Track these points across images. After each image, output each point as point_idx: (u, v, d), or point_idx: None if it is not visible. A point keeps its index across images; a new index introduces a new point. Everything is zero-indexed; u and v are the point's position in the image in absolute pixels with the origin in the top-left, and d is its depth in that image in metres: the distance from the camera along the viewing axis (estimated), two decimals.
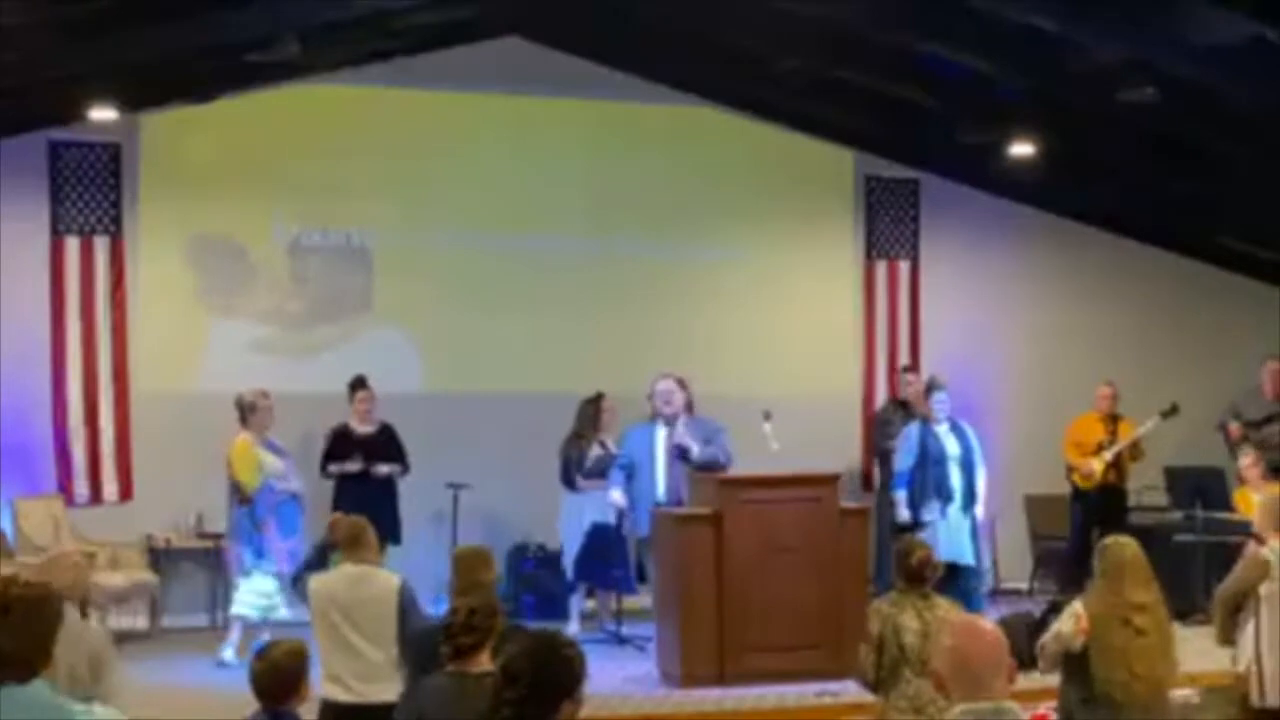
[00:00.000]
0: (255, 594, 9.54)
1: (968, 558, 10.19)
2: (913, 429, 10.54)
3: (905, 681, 6.02)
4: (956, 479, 10.28)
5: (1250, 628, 6.80)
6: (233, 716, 4.98)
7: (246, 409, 9.71)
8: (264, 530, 9.51)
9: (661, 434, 10.01)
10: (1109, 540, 6.40)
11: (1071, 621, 6.09)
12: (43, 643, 3.31)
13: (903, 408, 11.95)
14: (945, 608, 6.10)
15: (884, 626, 6.10)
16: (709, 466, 9.79)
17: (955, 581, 10.19)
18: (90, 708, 3.44)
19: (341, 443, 10.35)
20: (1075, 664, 6.09)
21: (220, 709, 5.33)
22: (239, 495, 9.59)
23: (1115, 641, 5.94)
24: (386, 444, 10.43)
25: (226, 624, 10.01)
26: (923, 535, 9.73)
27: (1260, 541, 6.99)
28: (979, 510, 10.41)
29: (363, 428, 10.43)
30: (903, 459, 10.48)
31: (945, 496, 10.25)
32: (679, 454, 9.91)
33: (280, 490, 9.59)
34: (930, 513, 10.20)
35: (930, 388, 10.61)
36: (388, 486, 10.31)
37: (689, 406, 10.41)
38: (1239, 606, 6.86)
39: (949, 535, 10.07)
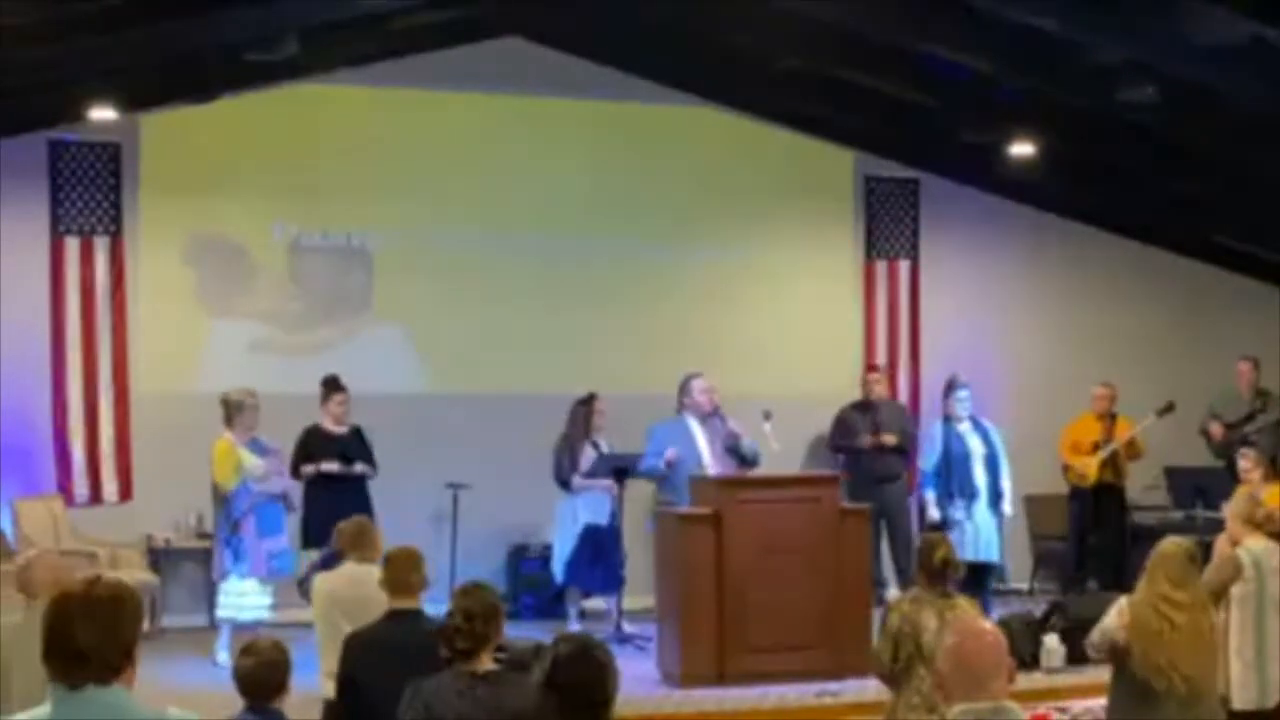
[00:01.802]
0: (235, 595, 9.54)
1: (996, 556, 10.28)
2: (936, 428, 10.55)
3: (920, 679, 5.99)
4: (981, 477, 10.32)
5: (1219, 627, 6.77)
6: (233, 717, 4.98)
7: (233, 408, 9.66)
8: (240, 531, 9.49)
9: (699, 431, 9.98)
10: (1165, 539, 6.37)
11: (1115, 615, 6.06)
12: (125, 644, 3.23)
13: (864, 408, 11.92)
14: (964, 607, 6.08)
15: (903, 623, 6.09)
16: (753, 461, 9.84)
17: (981, 579, 10.29)
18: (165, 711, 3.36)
19: (318, 443, 10.28)
20: (1121, 661, 6.06)
21: (220, 709, 5.33)
22: (217, 494, 9.59)
23: (1151, 629, 5.91)
24: (360, 445, 10.38)
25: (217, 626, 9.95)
26: (952, 534, 9.88)
27: (1234, 542, 6.98)
28: (1006, 507, 10.44)
29: (336, 428, 10.36)
30: (926, 458, 10.51)
31: (970, 495, 10.28)
32: (729, 446, 9.92)
33: (259, 491, 9.57)
34: (957, 511, 10.23)
35: (951, 386, 10.61)
36: (360, 487, 10.24)
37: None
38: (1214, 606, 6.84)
39: (976, 534, 10.15)
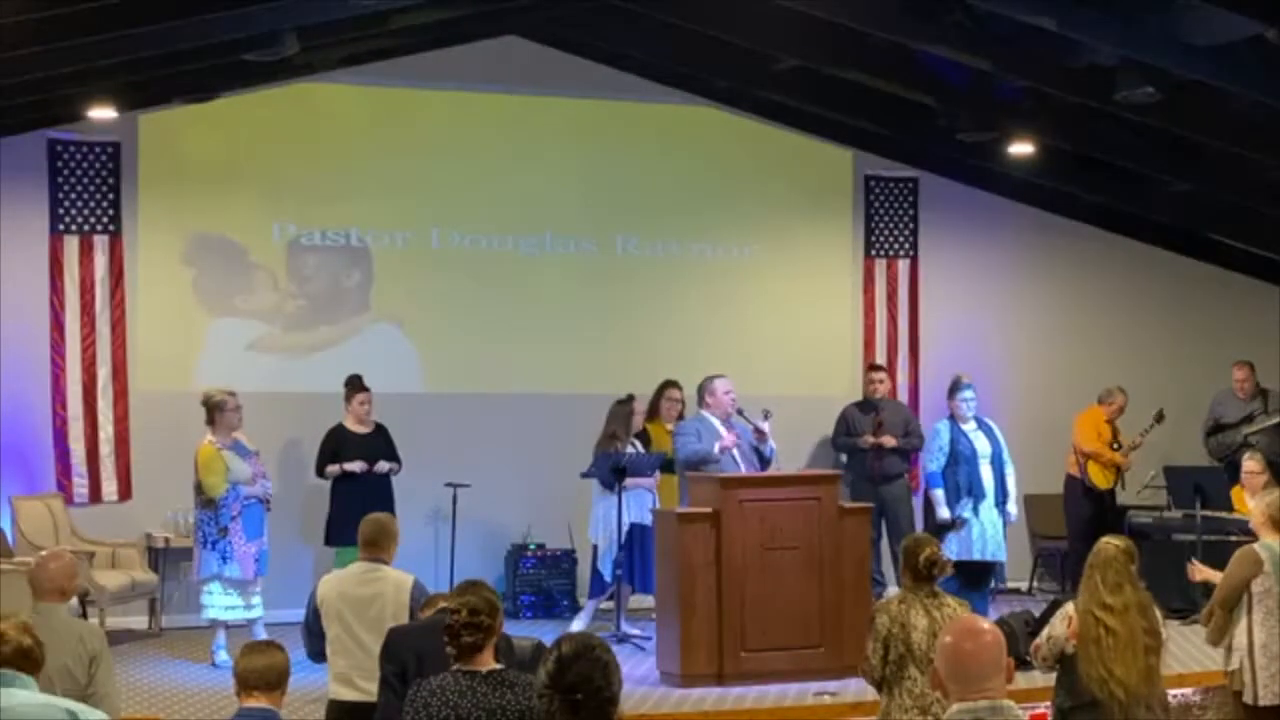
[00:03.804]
0: (224, 597, 9.54)
1: (1002, 555, 10.33)
2: (942, 428, 10.55)
3: (911, 680, 5.99)
4: (988, 477, 10.33)
5: (1243, 624, 6.79)
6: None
7: (215, 408, 9.64)
8: (229, 535, 9.48)
9: (724, 431, 9.94)
10: (1101, 539, 6.37)
11: (1063, 624, 6.06)
12: None
13: (867, 407, 11.89)
14: (954, 606, 6.08)
15: (892, 624, 6.08)
16: (770, 464, 9.84)
17: (986, 578, 10.29)
18: None
19: (342, 444, 10.33)
20: (1066, 667, 6.05)
21: (220, 708, 5.34)
22: (202, 498, 9.58)
23: (1090, 638, 5.91)
24: (384, 444, 10.43)
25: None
26: (960, 533, 10.00)
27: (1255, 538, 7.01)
28: (1011, 508, 10.46)
29: (360, 428, 10.41)
30: (934, 458, 10.50)
31: (978, 494, 10.29)
32: (754, 445, 9.92)
33: (246, 495, 9.57)
34: (964, 511, 10.24)
35: (955, 387, 10.62)
36: (384, 485, 10.30)
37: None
38: (1234, 605, 6.85)
39: (984, 533, 10.18)
